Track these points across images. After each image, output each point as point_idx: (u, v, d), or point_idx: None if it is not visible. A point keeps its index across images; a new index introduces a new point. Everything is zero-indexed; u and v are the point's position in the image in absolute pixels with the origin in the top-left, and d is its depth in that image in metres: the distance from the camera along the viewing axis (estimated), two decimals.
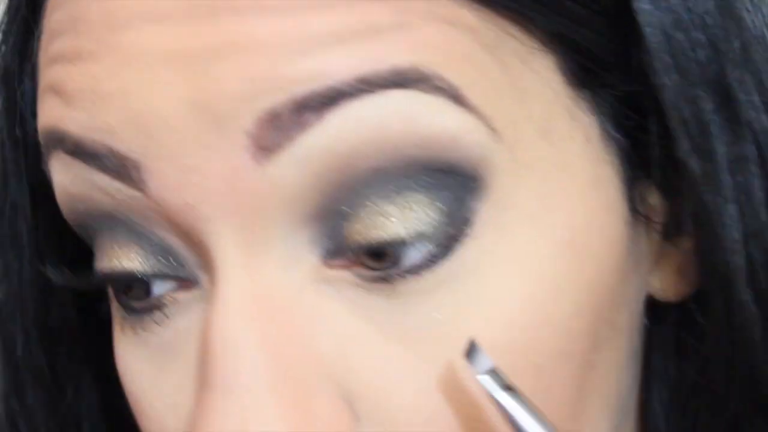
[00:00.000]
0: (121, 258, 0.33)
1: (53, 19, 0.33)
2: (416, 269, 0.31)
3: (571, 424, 0.33)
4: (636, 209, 0.35)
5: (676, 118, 0.33)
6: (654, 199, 0.35)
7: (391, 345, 0.31)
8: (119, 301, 0.34)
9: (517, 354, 0.31)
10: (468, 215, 0.31)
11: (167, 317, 0.33)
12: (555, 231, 0.32)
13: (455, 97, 0.30)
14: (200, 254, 0.32)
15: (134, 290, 0.33)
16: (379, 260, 0.31)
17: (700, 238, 0.34)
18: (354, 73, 0.29)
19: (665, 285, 0.37)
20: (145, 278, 0.33)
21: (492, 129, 0.31)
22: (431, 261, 0.31)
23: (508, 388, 0.30)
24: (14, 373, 0.42)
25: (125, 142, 0.31)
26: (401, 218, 0.30)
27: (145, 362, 0.34)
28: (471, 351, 0.30)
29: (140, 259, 0.33)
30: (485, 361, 0.30)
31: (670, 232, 0.36)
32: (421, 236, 0.30)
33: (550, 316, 0.32)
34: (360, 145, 0.30)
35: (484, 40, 0.31)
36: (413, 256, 0.31)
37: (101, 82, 0.31)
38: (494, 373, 0.30)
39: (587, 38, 0.32)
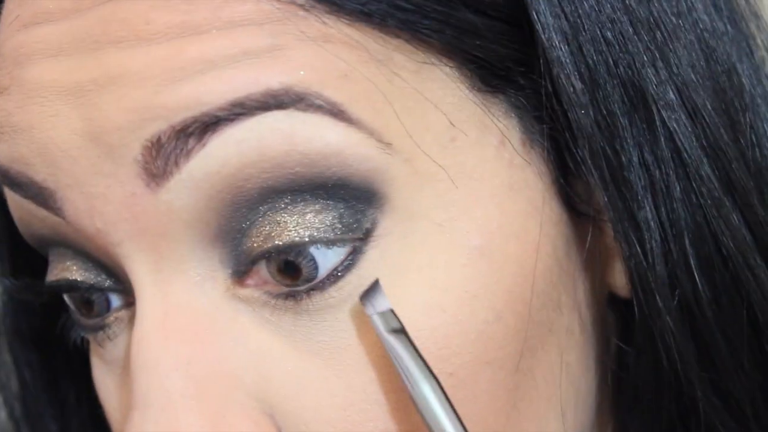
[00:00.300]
0: (65, 271, 0.34)
1: None
2: (321, 285, 0.31)
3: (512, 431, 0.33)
4: (577, 208, 0.34)
5: (578, 121, 0.32)
6: (598, 194, 0.34)
7: (306, 359, 0.32)
8: (75, 320, 0.36)
9: (431, 360, 0.31)
10: (368, 226, 0.31)
11: (115, 335, 0.35)
12: (465, 238, 0.32)
13: (336, 113, 0.30)
14: (125, 275, 0.33)
15: (85, 306, 0.35)
16: (286, 276, 0.31)
17: (620, 243, 0.33)
18: (229, 98, 0.30)
19: (617, 281, 0.36)
20: (85, 288, 0.34)
21: (382, 142, 0.31)
22: (335, 275, 0.31)
23: (399, 331, 0.30)
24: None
25: (40, 173, 0.32)
26: (296, 225, 0.31)
27: (106, 376, 0.36)
28: (369, 290, 0.31)
29: (81, 272, 0.34)
30: (381, 302, 0.31)
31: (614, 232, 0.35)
32: (319, 243, 0.31)
33: (464, 324, 0.32)
34: (244, 167, 0.30)
35: (364, 57, 0.31)
36: (317, 270, 0.31)
37: (13, 116, 0.32)
38: (387, 315, 0.30)
39: (486, 46, 0.32)
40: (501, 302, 0.32)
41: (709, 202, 0.33)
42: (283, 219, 0.31)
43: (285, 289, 0.32)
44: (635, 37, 0.32)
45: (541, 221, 0.33)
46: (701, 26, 0.34)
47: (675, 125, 0.32)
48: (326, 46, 0.30)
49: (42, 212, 0.33)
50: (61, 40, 0.31)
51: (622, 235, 0.32)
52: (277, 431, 0.32)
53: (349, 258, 0.31)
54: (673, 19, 0.33)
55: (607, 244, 0.35)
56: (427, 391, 0.30)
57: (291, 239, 0.31)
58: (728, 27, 0.35)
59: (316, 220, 0.31)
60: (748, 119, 0.34)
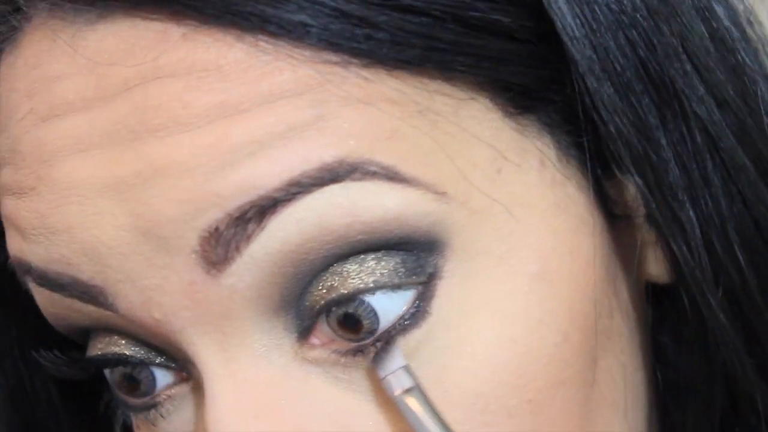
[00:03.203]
0: (112, 345, 0.33)
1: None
2: (388, 336, 0.31)
3: None
4: (613, 212, 0.34)
5: (615, 131, 0.32)
6: (632, 190, 0.35)
7: (384, 413, 0.31)
8: (119, 399, 0.35)
9: (509, 396, 0.31)
10: (431, 270, 0.31)
11: (169, 413, 0.34)
12: (524, 266, 0.32)
13: (390, 176, 0.30)
14: (184, 357, 0.32)
15: (128, 384, 0.34)
16: (347, 330, 0.31)
17: (663, 243, 0.34)
18: (284, 179, 0.29)
19: (659, 270, 0.36)
20: (134, 363, 0.33)
21: (437, 193, 0.30)
22: (402, 324, 0.31)
23: (412, 389, 0.30)
24: None
25: (84, 272, 0.31)
26: (358, 273, 0.30)
27: None
28: (381, 351, 0.31)
29: (130, 348, 0.33)
30: (394, 362, 0.30)
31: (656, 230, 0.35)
32: (384, 288, 0.30)
33: (536, 351, 0.32)
34: (305, 242, 0.30)
35: (408, 108, 0.30)
36: (378, 321, 0.31)
37: (46, 218, 0.31)
38: (399, 374, 0.30)
39: (516, 73, 0.32)
40: (565, 322, 0.32)
41: (747, 189, 0.33)
42: (343, 269, 0.30)
43: (352, 345, 0.31)
44: (658, 32, 0.32)
45: (588, 233, 0.33)
46: (706, 14, 0.34)
47: (707, 116, 0.33)
48: (369, 108, 0.30)
49: (88, 308, 0.32)
50: (91, 133, 0.30)
51: (667, 232, 0.33)
52: None
53: (415, 305, 0.31)
54: (685, 10, 0.33)
55: (639, 237, 0.35)
56: None
57: (355, 287, 0.30)
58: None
59: (378, 267, 0.30)
60: (760, 102, 0.34)
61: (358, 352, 0.31)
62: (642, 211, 0.35)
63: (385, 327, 0.31)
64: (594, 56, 0.32)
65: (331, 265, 0.30)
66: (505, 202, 0.32)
